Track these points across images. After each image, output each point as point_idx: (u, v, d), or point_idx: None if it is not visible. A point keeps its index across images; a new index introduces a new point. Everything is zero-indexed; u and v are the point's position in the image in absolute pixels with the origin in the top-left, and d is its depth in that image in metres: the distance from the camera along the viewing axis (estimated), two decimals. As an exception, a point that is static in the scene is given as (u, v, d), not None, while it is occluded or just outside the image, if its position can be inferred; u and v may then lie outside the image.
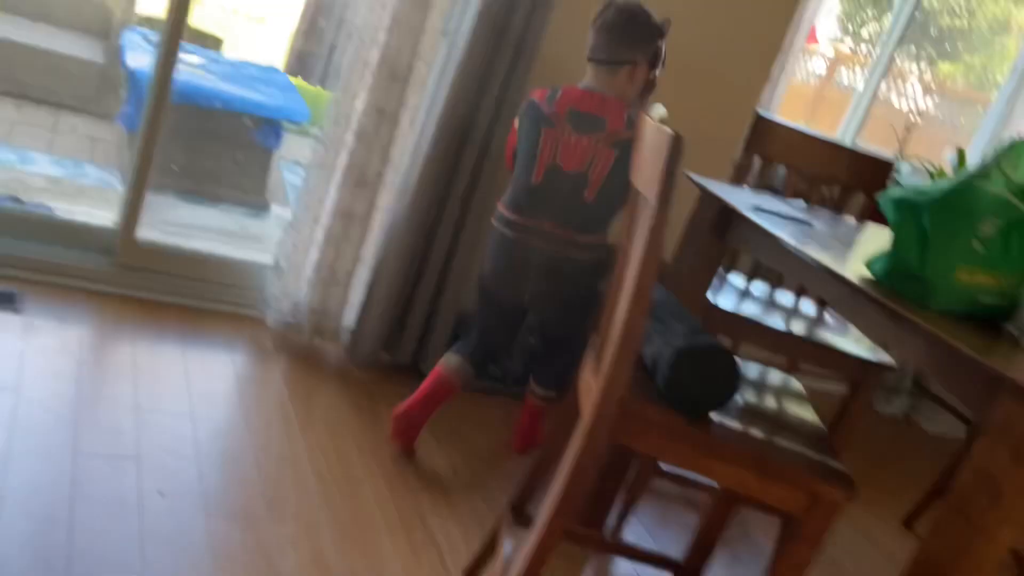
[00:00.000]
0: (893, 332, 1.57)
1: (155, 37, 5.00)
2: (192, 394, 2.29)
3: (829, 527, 1.46)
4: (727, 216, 2.00)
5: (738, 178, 2.45)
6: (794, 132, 2.43)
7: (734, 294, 2.38)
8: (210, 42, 5.54)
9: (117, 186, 4.24)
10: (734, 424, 1.53)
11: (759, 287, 2.53)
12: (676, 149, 1.35)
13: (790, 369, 2.58)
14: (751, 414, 1.60)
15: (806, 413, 1.70)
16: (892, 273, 1.54)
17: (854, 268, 1.62)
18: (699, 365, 1.48)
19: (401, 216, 2.57)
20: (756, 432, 1.53)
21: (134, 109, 4.51)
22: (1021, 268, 1.53)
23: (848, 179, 2.43)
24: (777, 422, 1.61)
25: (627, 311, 1.43)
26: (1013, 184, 1.53)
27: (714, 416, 1.52)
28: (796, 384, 1.84)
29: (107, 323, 2.47)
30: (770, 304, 2.41)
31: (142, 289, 2.65)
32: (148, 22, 5.44)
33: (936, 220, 1.49)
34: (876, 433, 3.53)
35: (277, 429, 2.27)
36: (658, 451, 1.50)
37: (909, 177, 3.32)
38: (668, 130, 1.36)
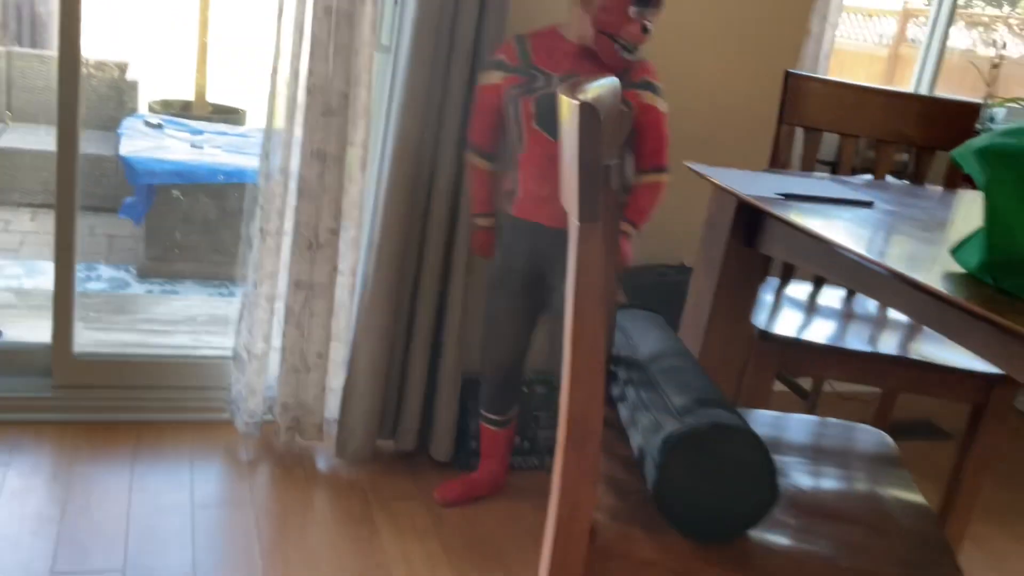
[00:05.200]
0: (1013, 353, 1.00)
1: (154, 119, 4.77)
2: (131, 540, 1.86)
3: None
4: (751, 216, 1.46)
5: (778, 159, 1.89)
6: (839, 87, 1.86)
7: (793, 310, 1.81)
8: (229, 117, 5.25)
9: (131, 283, 3.95)
10: (782, 540, 0.98)
11: (833, 293, 1.95)
12: (589, 124, 0.83)
13: (886, 406, 1.97)
14: (808, 514, 1.04)
15: (901, 490, 1.13)
16: (992, 263, 0.97)
17: (938, 263, 1.06)
18: (705, 457, 0.94)
19: (371, 277, 2.10)
20: (819, 548, 0.98)
21: (136, 199, 4.23)
22: None
23: (922, 137, 1.84)
24: (853, 520, 1.05)
25: (568, 391, 0.91)
26: None
27: (747, 535, 0.98)
28: (877, 439, 1.26)
29: (43, 462, 2.08)
30: (846, 318, 1.83)
31: (86, 411, 2.25)
32: (159, 105, 5.22)
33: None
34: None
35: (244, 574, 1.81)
36: (660, 601, 0.96)
37: (1007, 124, 2.66)
38: (575, 101, 0.85)
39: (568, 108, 0.90)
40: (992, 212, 0.96)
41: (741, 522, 0.95)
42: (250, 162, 4.16)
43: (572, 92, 0.91)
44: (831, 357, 1.67)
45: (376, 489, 2.16)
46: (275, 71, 2.00)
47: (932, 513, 1.09)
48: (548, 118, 1.87)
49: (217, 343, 2.56)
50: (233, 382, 2.24)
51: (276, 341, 2.17)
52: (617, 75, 1.76)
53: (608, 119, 0.95)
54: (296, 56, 1.97)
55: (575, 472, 0.93)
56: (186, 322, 3.43)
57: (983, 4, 2.97)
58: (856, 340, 1.70)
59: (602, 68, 1.86)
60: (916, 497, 1.12)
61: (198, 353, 2.36)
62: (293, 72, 1.98)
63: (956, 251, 1.04)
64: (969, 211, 1.48)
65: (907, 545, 1.01)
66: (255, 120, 5.56)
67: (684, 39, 2.35)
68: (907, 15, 5.43)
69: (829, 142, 2.40)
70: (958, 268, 1.04)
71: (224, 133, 4.74)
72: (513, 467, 2.31)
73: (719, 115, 2.43)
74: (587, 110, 0.83)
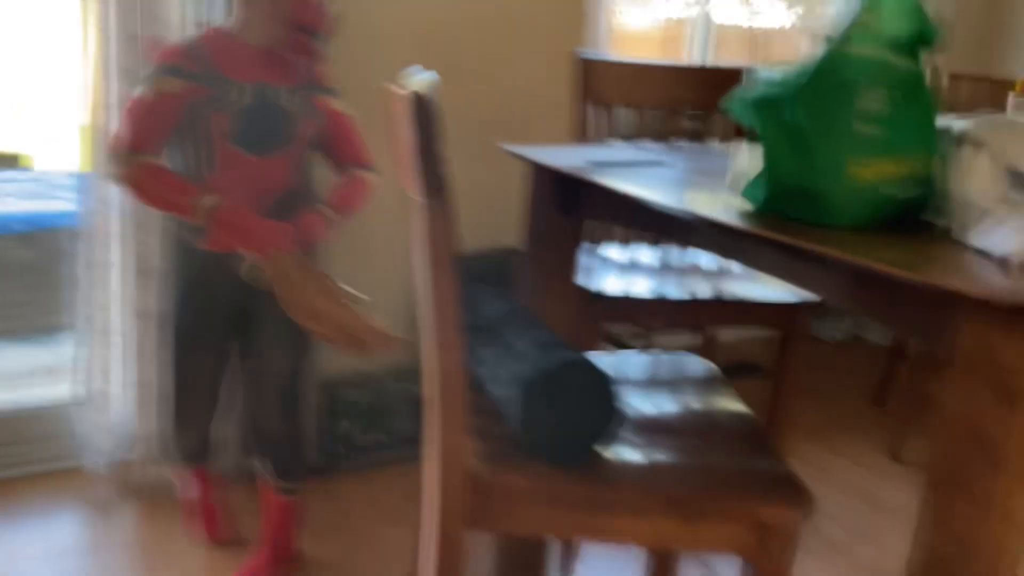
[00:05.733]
0: (799, 270, 1.18)
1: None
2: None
3: (792, 554, 1.06)
4: (569, 186, 1.60)
5: (578, 136, 2.06)
6: (624, 66, 2.05)
7: (615, 271, 1.99)
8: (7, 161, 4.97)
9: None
10: (633, 456, 1.12)
11: (646, 252, 2.15)
12: (421, 111, 0.93)
13: (703, 339, 2.20)
14: (652, 432, 1.20)
15: (726, 404, 1.30)
16: (773, 195, 1.15)
17: (729, 203, 1.24)
18: (558, 393, 1.07)
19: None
20: (664, 457, 1.13)
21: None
22: (925, 141, 1.16)
23: (701, 101, 2.06)
24: (690, 432, 1.21)
25: (436, 353, 1.02)
26: (883, 37, 1.16)
27: (603, 454, 1.11)
28: (702, 366, 1.44)
29: None
30: (660, 271, 2.03)
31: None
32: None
33: (808, 113, 1.11)
34: (828, 367, 3.19)
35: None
36: (540, 526, 1.08)
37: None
38: (404, 90, 0.95)
39: (396, 99, 1.00)
40: (768, 152, 1.14)
41: (595, 443, 1.09)
42: (51, 205, 3.99)
43: (398, 86, 1.01)
44: (653, 306, 1.86)
45: (248, 509, 2.17)
46: (89, 106, 1.98)
47: (754, 417, 1.27)
48: (247, 135, 1.72)
49: (48, 393, 2.47)
50: (77, 426, 2.19)
51: (120, 376, 2.14)
52: (304, 80, 1.77)
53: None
54: (105, 90, 1.96)
55: (449, 424, 1.03)
56: (10, 377, 3.27)
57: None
58: (673, 289, 1.89)
59: (290, 75, 1.76)
60: (740, 407, 1.29)
61: (32, 404, 2.28)
62: (103, 105, 1.96)
63: (744, 191, 1.22)
64: (749, 157, 1.69)
65: (735, 444, 1.18)
66: (46, 162, 5.29)
67: (468, 28, 2.48)
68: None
69: (624, 115, 2.60)
70: (747, 205, 1.22)
71: (14, 180, 4.50)
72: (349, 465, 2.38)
73: (509, 98, 2.57)
74: (416, 98, 0.93)
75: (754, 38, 3.32)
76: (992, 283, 0.92)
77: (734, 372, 3.03)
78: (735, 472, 1.09)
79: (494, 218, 2.54)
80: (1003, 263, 0.97)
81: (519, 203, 1.71)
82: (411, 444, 2.38)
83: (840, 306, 1.05)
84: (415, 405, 2.40)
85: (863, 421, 2.75)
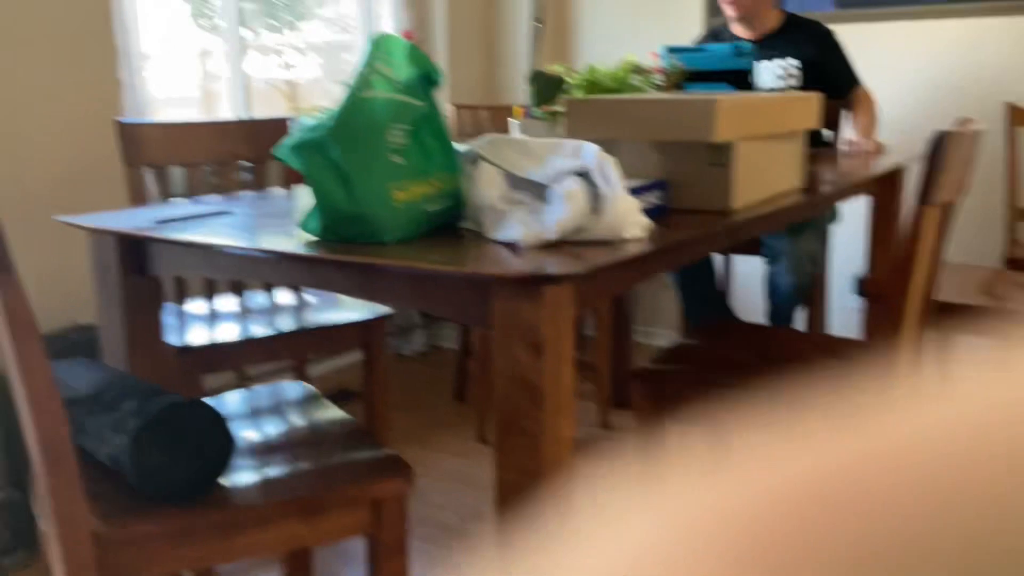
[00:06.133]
0: (368, 284, 1.37)
1: None
2: None
3: (405, 521, 1.24)
4: (136, 247, 1.64)
5: (137, 200, 2.08)
6: (169, 127, 2.11)
7: (202, 323, 2.04)
8: None
9: None
10: (252, 477, 1.22)
11: (230, 299, 2.22)
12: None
13: (299, 373, 2.33)
14: (265, 453, 1.30)
15: (327, 415, 1.45)
16: (329, 224, 1.32)
17: (296, 238, 1.38)
18: (167, 435, 1.14)
19: None
20: (280, 471, 1.24)
21: None
22: (448, 161, 1.42)
23: (252, 153, 2.19)
24: (299, 444, 1.34)
25: (37, 429, 1.03)
26: (397, 82, 1.39)
27: (223, 484, 1.20)
28: (300, 388, 1.58)
29: None
30: (245, 314, 2.11)
31: None
32: None
33: (344, 149, 1.30)
34: (413, 378, 3.49)
35: None
36: (177, 564, 1.14)
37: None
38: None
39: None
40: (317, 187, 1.31)
41: (213, 476, 1.17)
42: None
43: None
44: (243, 348, 1.95)
45: None
46: None
47: (354, 419, 1.43)
48: None
49: None
50: None
51: None
52: None
53: None
54: None
55: (62, 492, 1.05)
56: None
57: (266, 30, 3.44)
58: (259, 329, 1.99)
59: None
60: (338, 414, 1.45)
61: None
62: None
63: (304, 224, 1.37)
64: (303, 195, 1.85)
65: (341, 443, 1.33)
66: None
67: (4, 110, 2.37)
68: (203, 56, 5.89)
69: (180, 174, 2.64)
70: (309, 236, 1.37)
71: None
72: None
73: (62, 173, 2.50)
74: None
75: (292, 89, 3.52)
76: (510, 264, 1.18)
77: (332, 400, 3.20)
78: (344, 465, 1.24)
79: (72, 292, 2.43)
80: (514, 248, 1.23)
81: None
82: (9, 554, 2.18)
83: (407, 307, 1.24)
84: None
85: (451, 417, 3.07)
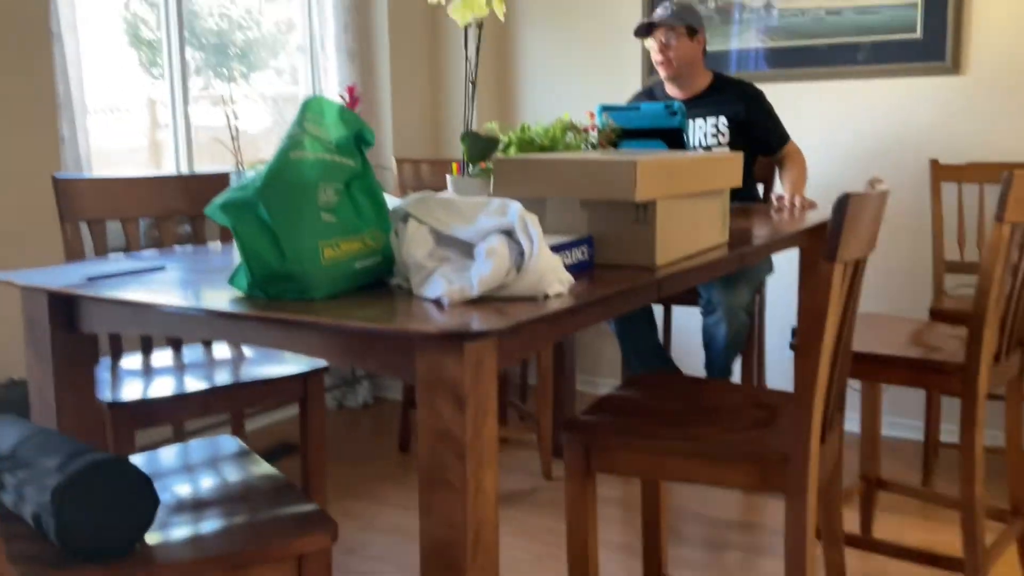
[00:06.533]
0: (297, 340, 1.38)
1: None
2: None
3: (329, 575, 1.25)
4: (67, 303, 1.64)
5: (73, 254, 2.07)
6: (107, 182, 2.12)
7: (137, 378, 2.03)
8: None
9: None
10: (179, 533, 1.22)
11: (167, 354, 2.21)
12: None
13: (235, 427, 2.32)
14: (194, 509, 1.30)
15: (258, 470, 1.46)
16: (258, 281, 1.34)
17: (229, 294, 1.40)
18: (89, 493, 1.14)
19: None
20: (207, 527, 1.24)
21: None
22: (379, 220, 1.45)
23: (190, 208, 2.21)
24: (229, 500, 1.34)
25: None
26: (326, 143, 1.43)
27: (148, 541, 1.19)
28: (233, 444, 1.58)
29: None
30: (181, 369, 2.11)
31: None
32: None
33: (273, 209, 1.32)
34: (357, 430, 3.47)
35: None
36: (95, 623, 1.13)
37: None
38: None
39: None
40: (245, 245, 1.33)
41: (137, 533, 1.17)
42: None
43: None
44: (178, 403, 1.94)
45: None
46: None
47: (283, 476, 1.43)
48: None
49: None
50: None
51: None
52: None
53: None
54: None
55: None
56: None
57: (219, 79, 3.47)
58: (194, 383, 1.99)
59: None
60: (268, 469, 1.45)
61: None
62: None
63: (232, 280, 1.39)
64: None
65: (269, 499, 1.33)
66: None
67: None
68: (152, 105, 5.90)
69: (117, 229, 2.64)
70: (239, 292, 1.39)
71: None
72: None
73: None
74: None
75: (240, 140, 3.55)
76: (434, 320, 1.21)
77: (273, 455, 3.17)
78: (270, 520, 1.24)
79: (6, 347, 2.40)
80: (440, 304, 1.26)
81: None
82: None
83: (336, 363, 1.25)
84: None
85: (395, 468, 3.06)
